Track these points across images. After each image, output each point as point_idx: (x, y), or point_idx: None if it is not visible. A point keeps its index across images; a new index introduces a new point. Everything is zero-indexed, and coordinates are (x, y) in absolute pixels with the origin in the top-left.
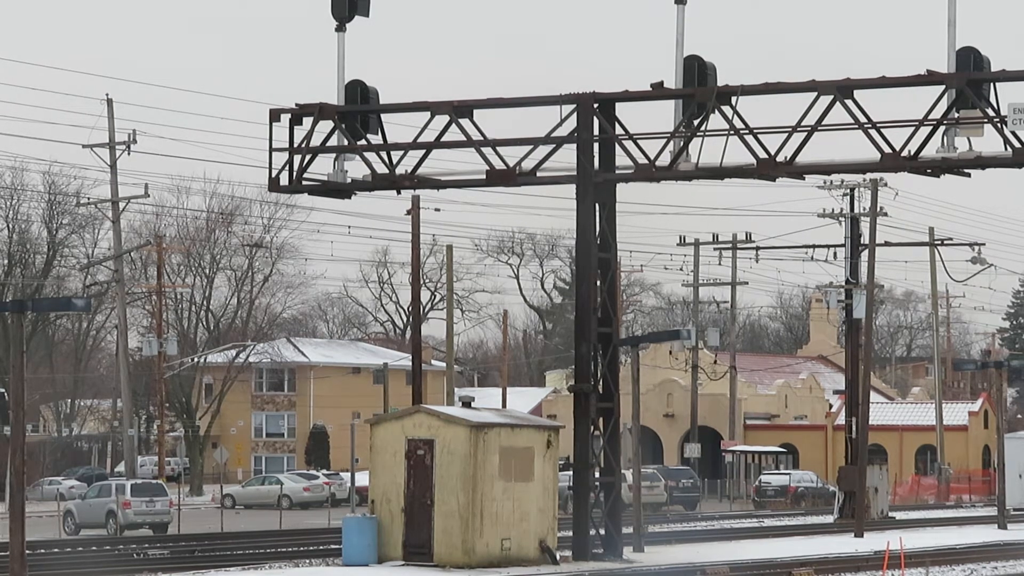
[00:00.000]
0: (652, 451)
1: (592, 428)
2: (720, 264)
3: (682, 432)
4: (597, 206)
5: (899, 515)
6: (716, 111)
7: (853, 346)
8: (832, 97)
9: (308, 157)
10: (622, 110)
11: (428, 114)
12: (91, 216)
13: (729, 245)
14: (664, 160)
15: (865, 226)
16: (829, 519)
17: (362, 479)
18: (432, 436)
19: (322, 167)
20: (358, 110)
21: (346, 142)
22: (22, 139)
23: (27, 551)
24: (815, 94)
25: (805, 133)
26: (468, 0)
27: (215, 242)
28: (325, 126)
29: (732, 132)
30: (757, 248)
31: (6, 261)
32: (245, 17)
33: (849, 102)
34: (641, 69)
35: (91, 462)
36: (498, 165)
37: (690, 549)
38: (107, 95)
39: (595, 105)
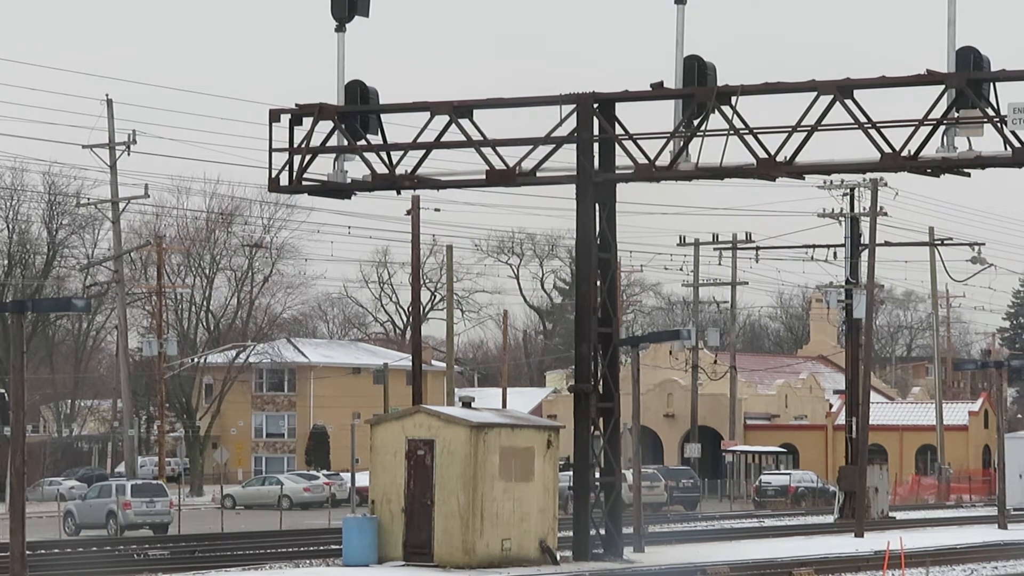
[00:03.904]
0: (652, 451)
1: (592, 428)
2: (720, 264)
3: (682, 432)
4: (597, 206)
5: (899, 515)
6: (716, 111)
7: (853, 346)
8: (832, 97)
9: (308, 157)
10: (622, 110)
11: (428, 114)
12: (91, 216)
13: (729, 245)
14: (664, 160)
15: (865, 226)
16: (829, 519)
17: (362, 479)
18: (432, 436)
19: (322, 167)
20: (358, 110)
21: (346, 142)
22: (22, 139)
23: (27, 551)
24: (815, 94)
25: (805, 133)
26: (468, 0)
27: (215, 242)
28: (325, 126)
29: (732, 132)
30: (757, 248)
31: (6, 261)
32: (245, 17)
33: (849, 102)
34: (641, 69)
35: (91, 462)
36: (498, 165)
37: (690, 549)
38: (107, 95)
39: (595, 105)
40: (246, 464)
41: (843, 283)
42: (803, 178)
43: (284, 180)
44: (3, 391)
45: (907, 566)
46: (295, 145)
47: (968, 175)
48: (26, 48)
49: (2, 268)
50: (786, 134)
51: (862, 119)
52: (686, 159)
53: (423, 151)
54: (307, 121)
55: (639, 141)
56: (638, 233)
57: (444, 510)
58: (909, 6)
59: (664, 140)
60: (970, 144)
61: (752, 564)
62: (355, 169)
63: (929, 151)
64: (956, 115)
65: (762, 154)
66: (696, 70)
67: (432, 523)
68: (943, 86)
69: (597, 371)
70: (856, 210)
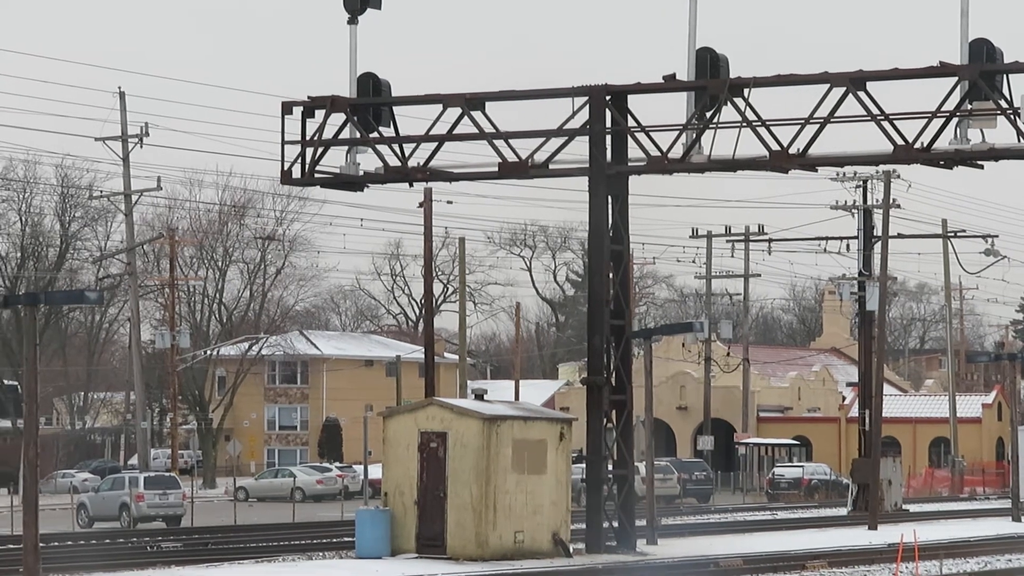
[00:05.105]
0: (665, 444)
1: (605, 420)
2: (733, 256)
3: (695, 425)
4: (610, 198)
5: (913, 507)
6: (728, 103)
7: (866, 338)
8: (845, 89)
9: (320, 150)
10: (634, 102)
11: (440, 106)
12: (104, 209)
13: (742, 237)
14: (676, 152)
15: (878, 218)
16: (843, 511)
17: (375, 472)
18: (445, 429)
19: (334, 160)
20: (370, 103)
21: (358, 135)
22: (35, 132)
23: (40, 544)
24: (827, 86)
25: (818, 125)
26: None
27: (228, 235)
28: (337, 119)
29: (744, 124)
30: (770, 240)
31: (19, 254)
32: (257, 10)
33: (862, 94)
34: (653, 61)
35: (104, 455)
36: (510, 157)
37: (703, 542)
38: (119, 88)
39: (607, 97)
40: (259, 456)
41: (856, 275)
42: (816, 170)
43: (296, 172)
44: (16, 384)
45: (921, 559)
46: (307, 137)
47: (981, 167)
48: (38, 41)
49: (15, 260)
50: (799, 126)
51: (875, 111)
52: (698, 151)
53: (435, 143)
54: (319, 113)
55: (652, 133)
56: (651, 225)
57: (457, 502)
58: None
59: (677, 132)
60: (983, 136)
61: (765, 556)
62: (367, 161)
63: (942, 143)
64: (969, 107)
65: (775, 146)
66: (708, 62)
67: (445, 515)
68: (956, 78)
69: (610, 363)
70: (869, 202)
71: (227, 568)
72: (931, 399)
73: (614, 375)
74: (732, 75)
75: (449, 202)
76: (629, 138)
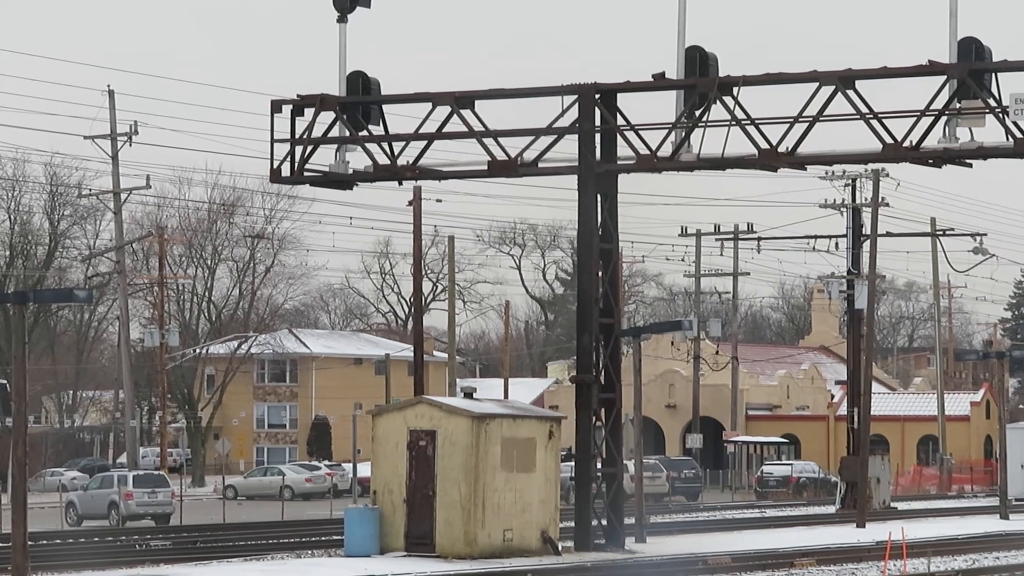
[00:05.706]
0: (654, 442)
1: (594, 419)
2: (722, 255)
3: (684, 423)
4: (599, 197)
5: (901, 505)
6: (718, 102)
7: (855, 336)
8: (834, 87)
9: (310, 148)
10: (624, 101)
11: (430, 105)
12: (93, 207)
13: (731, 235)
14: (666, 151)
15: (867, 216)
16: (831, 509)
17: (364, 470)
18: (434, 427)
19: (324, 158)
20: (360, 101)
21: (348, 133)
22: (24, 130)
23: (29, 542)
24: (816, 84)
25: (807, 124)
26: None
27: (217, 233)
28: (327, 117)
29: (734, 123)
30: (759, 238)
31: (8, 252)
32: (247, 8)
33: (851, 92)
34: (643, 60)
35: (93, 453)
36: (500, 156)
37: (692, 539)
38: (108, 86)
39: (597, 96)
40: (248, 455)
41: (845, 274)
42: (805, 169)
43: (286, 171)
44: (5, 382)
45: (909, 556)
46: (297, 136)
47: (970, 166)
48: (28, 39)
49: (4, 259)
50: (788, 125)
51: (864, 110)
52: (688, 150)
53: (425, 142)
54: (309, 112)
55: (641, 132)
56: (640, 224)
57: (446, 501)
58: None
59: (666, 131)
60: (972, 135)
61: (754, 554)
62: (357, 160)
63: (931, 142)
64: (958, 105)
65: (764, 145)
66: (698, 61)
67: (434, 514)
68: (945, 76)
69: (599, 362)
70: (858, 201)
71: (216, 566)
72: (919, 397)
73: (603, 373)
74: (721, 73)
75: (438, 200)
76: (618, 136)
